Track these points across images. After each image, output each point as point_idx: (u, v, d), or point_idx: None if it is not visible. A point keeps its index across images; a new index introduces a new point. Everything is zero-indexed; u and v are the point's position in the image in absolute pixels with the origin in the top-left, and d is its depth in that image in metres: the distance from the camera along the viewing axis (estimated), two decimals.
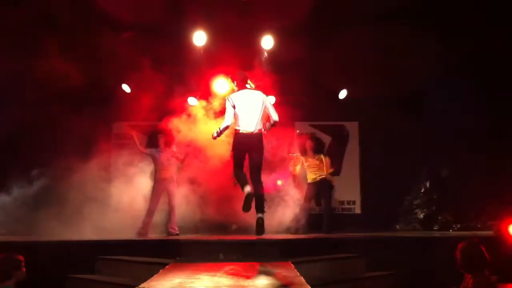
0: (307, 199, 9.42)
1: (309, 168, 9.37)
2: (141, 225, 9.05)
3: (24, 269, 4.73)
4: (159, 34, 9.62)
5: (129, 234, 8.66)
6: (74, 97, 9.92)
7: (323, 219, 9.27)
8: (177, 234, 9.14)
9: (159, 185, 9.27)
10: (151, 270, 5.73)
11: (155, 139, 9.50)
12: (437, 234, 8.79)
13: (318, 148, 9.68)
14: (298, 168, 9.57)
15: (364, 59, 9.52)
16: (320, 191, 9.34)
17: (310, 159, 9.39)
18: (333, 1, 8.88)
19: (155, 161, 9.33)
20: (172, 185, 9.36)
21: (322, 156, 9.43)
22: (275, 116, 7.25)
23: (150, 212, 9.18)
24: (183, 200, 10.29)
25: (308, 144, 9.52)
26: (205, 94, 10.14)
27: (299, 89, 10.48)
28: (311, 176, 9.37)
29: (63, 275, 6.55)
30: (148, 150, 9.35)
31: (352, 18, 9.10)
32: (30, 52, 9.05)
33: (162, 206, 9.50)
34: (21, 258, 4.75)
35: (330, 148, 11.04)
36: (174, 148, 9.43)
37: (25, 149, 9.46)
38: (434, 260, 7.02)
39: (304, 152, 9.62)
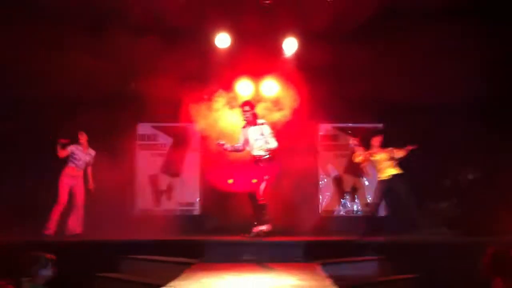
0: (378, 197, 8.91)
1: (379, 164, 8.86)
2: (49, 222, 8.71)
3: (54, 268, 4.78)
4: (183, 36, 9.68)
5: (152, 234, 8.70)
6: (99, 97, 10.01)
7: (402, 218, 8.86)
8: (77, 235, 8.74)
9: (65, 179, 8.95)
10: (176, 270, 5.81)
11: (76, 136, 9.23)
12: (463, 238, 8.70)
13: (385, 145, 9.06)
14: (360, 158, 8.98)
15: (389, 61, 9.51)
16: (394, 187, 8.73)
17: (378, 154, 8.86)
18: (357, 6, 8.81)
19: (71, 156, 9.04)
20: (79, 184, 9.11)
21: (391, 148, 8.92)
22: None
23: (60, 205, 8.84)
24: (206, 199, 10.45)
25: (375, 139, 9.00)
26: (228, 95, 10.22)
27: (324, 91, 10.48)
28: (382, 173, 8.82)
29: (91, 274, 6.62)
30: (67, 151, 9.02)
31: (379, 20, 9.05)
32: (52, 50, 9.15)
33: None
34: (52, 257, 4.80)
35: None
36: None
37: (50, 148, 9.52)
38: (460, 265, 6.96)
39: (369, 147, 9.08)
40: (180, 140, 11.10)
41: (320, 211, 10.78)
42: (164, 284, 4.79)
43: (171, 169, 10.97)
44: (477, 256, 6.85)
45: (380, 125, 10.88)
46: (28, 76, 9.27)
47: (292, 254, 6.93)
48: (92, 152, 9.30)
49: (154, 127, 11.17)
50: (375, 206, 8.98)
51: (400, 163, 8.92)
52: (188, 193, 10.87)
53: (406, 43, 9.28)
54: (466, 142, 9.65)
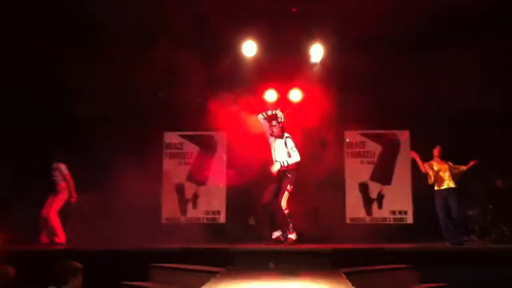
0: (440, 208, 8.77)
1: (439, 175, 8.83)
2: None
3: (81, 276, 4.82)
4: (210, 45, 9.71)
5: (178, 242, 8.72)
6: (126, 106, 10.14)
7: (450, 229, 8.68)
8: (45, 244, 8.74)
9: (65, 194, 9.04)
10: (202, 279, 5.78)
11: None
12: (493, 246, 8.55)
13: (444, 156, 9.03)
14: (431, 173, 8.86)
15: (416, 68, 9.48)
16: (448, 199, 8.70)
17: (438, 165, 8.86)
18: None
19: (61, 174, 9.07)
20: (56, 196, 9.03)
21: (450, 163, 8.91)
22: None
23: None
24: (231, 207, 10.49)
25: (437, 149, 8.96)
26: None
27: (350, 98, 10.46)
28: (439, 183, 8.81)
29: (117, 282, 6.66)
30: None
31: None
32: (86, 63, 9.29)
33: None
34: (79, 265, 4.86)
35: (381, 157, 10.91)
36: None
37: (76, 157, 9.65)
38: (489, 273, 6.85)
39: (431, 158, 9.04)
40: (206, 149, 11.16)
41: (346, 218, 10.69)
42: None
43: (197, 177, 11.03)
44: (507, 264, 6.78)
45: (407, 132, 10.79)
46: (62, 87, 9.50)
47: (318, 262, 6.88)
48: (56, 166, 9.08)
49: (180, 135, 11.23)
50: (443, 217, 8.76)
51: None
52: (213, 202, 10.91)
53: (433, 51, 9.24)
54: (495, 149, 9.51)
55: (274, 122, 8.01)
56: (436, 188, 8.85)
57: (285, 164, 7.84)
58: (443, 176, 8.78)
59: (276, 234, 8.07)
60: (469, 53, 8.89)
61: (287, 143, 7.95)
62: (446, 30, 8.81)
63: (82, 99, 9.58)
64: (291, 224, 7.93)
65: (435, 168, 8.87)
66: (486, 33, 8.64)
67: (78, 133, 9.82)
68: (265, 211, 8.14)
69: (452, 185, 8.74)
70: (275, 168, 7.88)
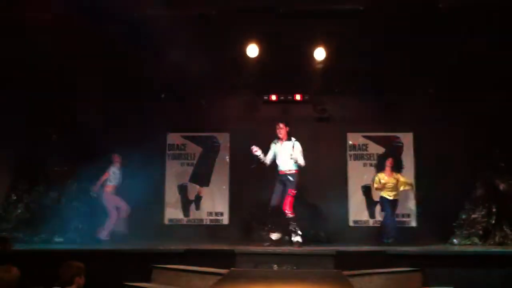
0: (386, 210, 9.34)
1: (386, 185, 9.25)
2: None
3: (84, 276, 4.82)
4: (213, 45, 9.70)
5: (181, 243, 8.71)
6: (128, 106, 10.15)
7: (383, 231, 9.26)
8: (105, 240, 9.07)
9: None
10: (206, 280, 5.80)
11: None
12: (496, 249, 8.53)
13: (396, 167, 9.60)
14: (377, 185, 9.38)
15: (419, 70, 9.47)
16: (390, 207, 9.30)
17: (387, 178, 9.26)
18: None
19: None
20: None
21: (399, 175, 9.42)
22: None
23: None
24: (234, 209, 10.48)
25: (389, 162, 9.40)
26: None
27: (351, 100, 10.45)
28: (386, 193, 9.29)
29: (119, 283, 6.65)
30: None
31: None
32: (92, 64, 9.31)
33: None
34: (82, 265, 4.86)
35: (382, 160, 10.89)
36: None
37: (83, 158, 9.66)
38: (493, 276, 6.83)
39: (382, 169, 9.52)
40: (209, 150, 11.14)
41: (349, 221, 10.66)
42: None
43: (200, 178, 11.02)
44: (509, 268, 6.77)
45: (410, 134, 10.77)
46: (64, 88, 9.52)
47: (321, 264, 6.88)
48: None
49: (183, 136, 11.22)
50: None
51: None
52: (217, 203, 10.89)
53: (437, 53, 9.21)
54: (499, 152, 9.50)
55: (281, 125, 8.23)
56: (383, 195, 9.32)
57: (294, 167, 8.06)
58: (390, 187, 9.25)
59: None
60: (473, 54, 8.89)
61: (295, 147, 8.10)
62: (450, 31, 8.78)
63: (84, 99, 9.60)
64: (296, 227, 8.02)
65: (385, 179, 9.26)
66: (489, 34, 8.61)
67: (81, 134, 9.82)
68: (273, 213, 8.13)
69: (395, 196, 9.33)
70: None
